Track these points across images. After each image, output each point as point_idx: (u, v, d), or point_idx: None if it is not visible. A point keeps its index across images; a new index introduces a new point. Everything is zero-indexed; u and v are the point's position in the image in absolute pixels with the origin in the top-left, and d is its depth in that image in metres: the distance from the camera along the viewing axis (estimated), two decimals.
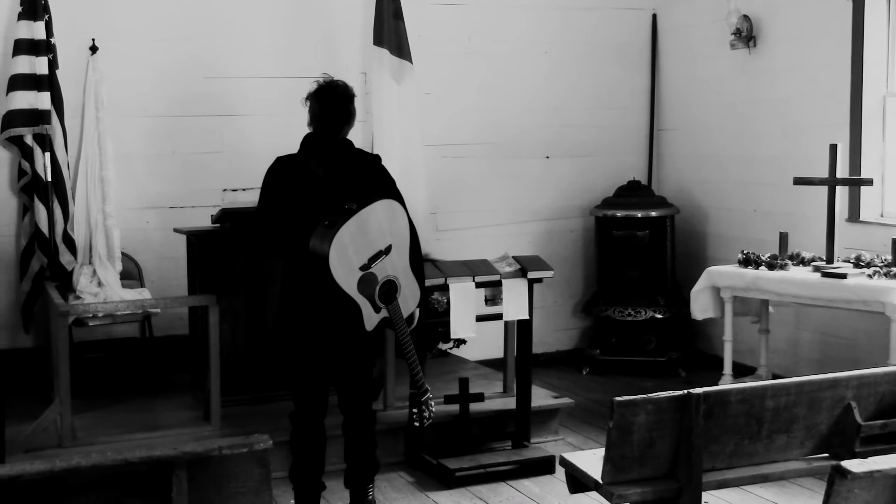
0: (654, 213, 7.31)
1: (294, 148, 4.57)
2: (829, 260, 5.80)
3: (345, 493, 4.75)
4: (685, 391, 3.53)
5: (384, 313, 4.36)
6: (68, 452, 4.95)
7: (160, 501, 2.92)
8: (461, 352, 6.90)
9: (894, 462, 2.74)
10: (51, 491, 2.82)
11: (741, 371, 6.48)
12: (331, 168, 4.42)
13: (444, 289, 5.42)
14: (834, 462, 3.17)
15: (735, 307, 6.08)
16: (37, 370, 6.14)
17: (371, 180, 4.47)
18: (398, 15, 6.72)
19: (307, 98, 4.55)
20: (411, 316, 4.55)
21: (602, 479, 3.55)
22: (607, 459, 3.52)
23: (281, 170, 4.46)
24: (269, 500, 3.00)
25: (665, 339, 7.35)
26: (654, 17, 7.85)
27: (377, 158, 4.61)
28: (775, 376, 6.09)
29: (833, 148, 5.84)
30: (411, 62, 6.76)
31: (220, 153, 6.69)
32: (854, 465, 2.69)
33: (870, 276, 5.47)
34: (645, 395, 3.50)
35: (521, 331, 5.68)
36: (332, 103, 4.50)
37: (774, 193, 6.83)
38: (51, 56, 6.03)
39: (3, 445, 4.88)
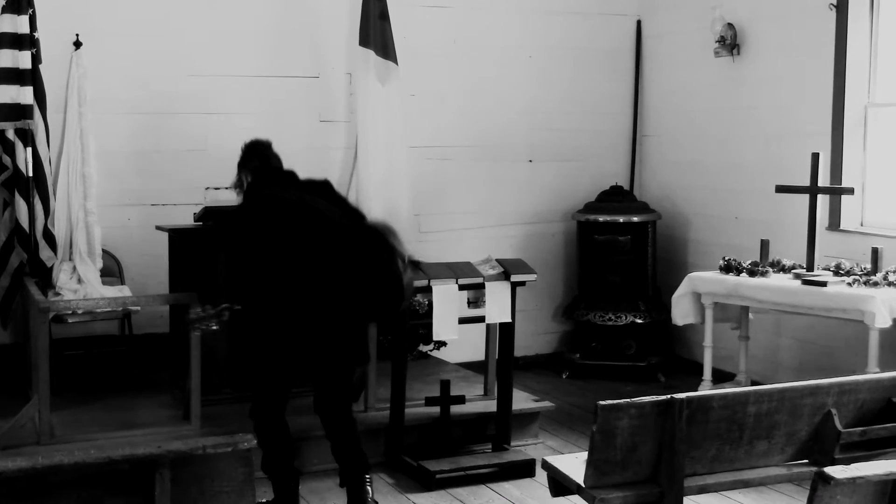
0: (635, 219, 7.34)
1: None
2: (810, 268, 5.84)
3: (341, 492, 4.82)
4: (668, 396, 3.54)
5: None
6: (47, 450, 4.91)
7: (143, 500, 2.91)
8: (442, 354, 6.90)
9: (877, 469, 2.77)
10: (32, 488, 2.80)
11: (720, 377, 6.52)
12: (303, 192, 4.61)
13: (427, 290, 5.41)
14: (814, 468, 3.20)
15: (715, 313, 6.11)
16: (14, 366, 6.09)
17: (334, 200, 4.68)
18: (384, 16, 6.71)
19: (240, 167, 4.78)
20: None
21: (584, 482, 3.56)
22: (590, 463, 3.53)
23: (266, 208, 4.56)
24: (253, 499, 3.00)
25: (645, 344, 7.38)
26: (639, 23, 7.88)
27: (328, 182, 4.80)
28: (754, 383, 6.12)
29: (815, 156, 5.89)
30: (397, 63, 6.75)
31: (203, 151, 6.66)
32: (837, 472, 2.71)
33: (849, 284, 5.51)
34: (628, 400, 3.51)
35: (504, 334, 5.68)
36: (263, 148, 4.82)
37: (756, 201, 6.87)
38: (34, 51, 5.97)
39: None
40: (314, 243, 4.46)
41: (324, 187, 4.70)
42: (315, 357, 4.54)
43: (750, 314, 6.31)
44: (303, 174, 6.75)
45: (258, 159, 4.74)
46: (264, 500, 4.69)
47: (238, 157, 4.82)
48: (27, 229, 5.99)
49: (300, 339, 4.49)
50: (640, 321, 7.30)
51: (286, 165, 4.88)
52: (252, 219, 4.55)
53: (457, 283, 5.46)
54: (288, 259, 4.45)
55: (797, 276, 5.78)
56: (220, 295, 4.51)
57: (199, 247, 5.67)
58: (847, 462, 3.30)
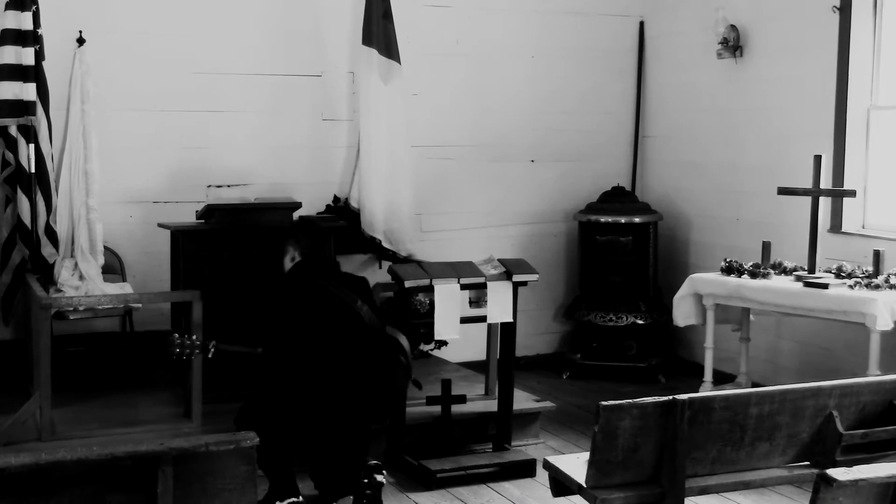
0: (637, 220, 7.34)
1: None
2: (811, 270, 5.84)
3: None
4: (670, 397, 3.54)
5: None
6: (49, 446, 4.91)
7: (144, 497, 2.91)
8: (443, 353, 6.90)
9: (879, 471, 2.77)
10: (34, 484, 2.80)
11: (721, 378, 6.52)
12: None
13: (429, 290, 5.41)
14: (815, 470, 3.20)
15: (717, 315, 6.11)
16: (15, 363, 6.09)
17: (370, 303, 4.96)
18: (387, 15, 6.71)
19: (289, 236, 4.97)
20: None
21: (586, 482, 3.56)
22: (591, 463, 3.53)
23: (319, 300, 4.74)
24: (255, 497, 3.00)
25: (646, 345, 7.38)
26: (642, 24, 7.88)
27: (366, 282, 5.05)
28: (755, 384, 6.13)
29: (817, 159, 5.89)
30: (399, 62, 6.75)
31: (205, 149, 6.66)
32: (839, 474, 2.71)
33: (851, 286, 5.51)
34: (630, 401, 3.51)
35: (505, 333, 5.69)
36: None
37: (758, 202, 6.87)
38: (37, 47, 5.98)
39: None
40: (346, 346, 4.67)
41: (363, 287, 4.92)
42: (315, 450, 4.77)
43: (751, 316, 6.31)
44: (305, 173, 6.83)
45: (312, 241, 4.97)
46: (262, 500, 4.69)
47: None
48: (29, 226, 5.99)
49: (306, 425, 4.69)
50: (641, 322, 7.30)
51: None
52: (299, 303, 4.72)
53: (458, 282, 5.47)
54: (317, 350, 4.64)
55: (799, 279, 5.79)
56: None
57: (200, 245, 5.67)
58: (848, 464, 3.30)
